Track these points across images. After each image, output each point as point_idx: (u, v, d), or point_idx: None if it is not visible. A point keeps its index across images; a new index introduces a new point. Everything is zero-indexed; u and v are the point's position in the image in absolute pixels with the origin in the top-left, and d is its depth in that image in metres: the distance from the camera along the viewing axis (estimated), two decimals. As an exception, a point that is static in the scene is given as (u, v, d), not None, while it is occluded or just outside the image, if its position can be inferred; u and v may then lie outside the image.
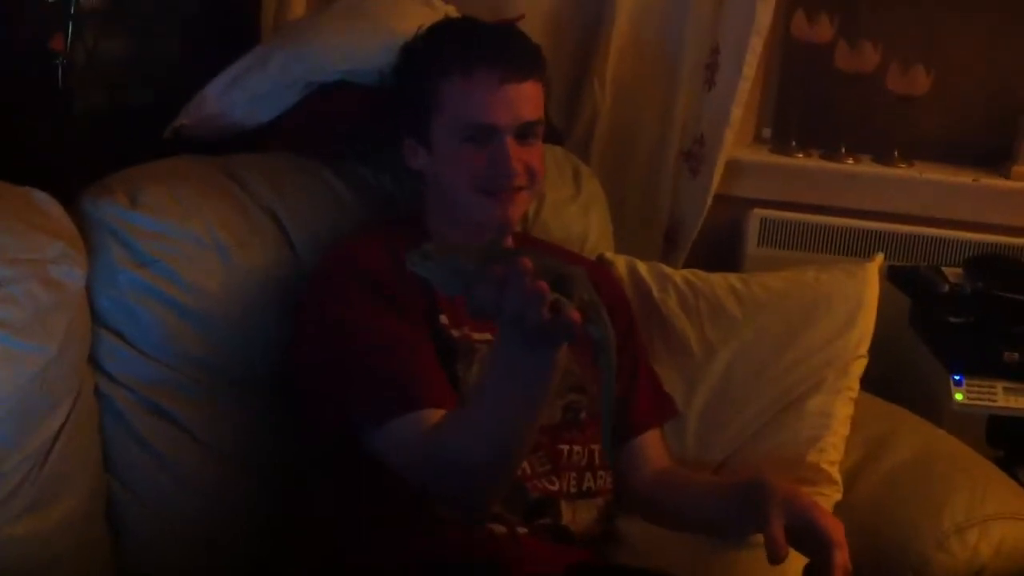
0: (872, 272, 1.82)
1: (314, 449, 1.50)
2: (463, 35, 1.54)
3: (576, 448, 1.51)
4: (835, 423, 1.74)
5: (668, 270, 1.86)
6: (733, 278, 1.86)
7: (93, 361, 1.54)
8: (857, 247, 2.23)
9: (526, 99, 1.49)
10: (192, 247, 1.57)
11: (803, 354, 1.77)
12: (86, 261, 1.50)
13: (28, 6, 1.64)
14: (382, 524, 1.41)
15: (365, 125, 1.70)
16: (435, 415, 1.33)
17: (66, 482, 1.47)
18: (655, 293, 1.81)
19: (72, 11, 1.65)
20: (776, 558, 1.28)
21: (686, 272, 1.86)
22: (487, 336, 1.46)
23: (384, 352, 1.39)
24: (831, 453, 1.73)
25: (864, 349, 1.78)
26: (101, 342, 1.54)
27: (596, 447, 1.53)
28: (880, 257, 1.85)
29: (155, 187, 1.59)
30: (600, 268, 1.77)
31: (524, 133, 1.50)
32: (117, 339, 1.55)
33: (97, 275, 1.53)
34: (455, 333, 1.47)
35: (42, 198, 1.51)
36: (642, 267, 1.84)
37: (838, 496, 1.70)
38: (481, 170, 1.49)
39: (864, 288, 1.81)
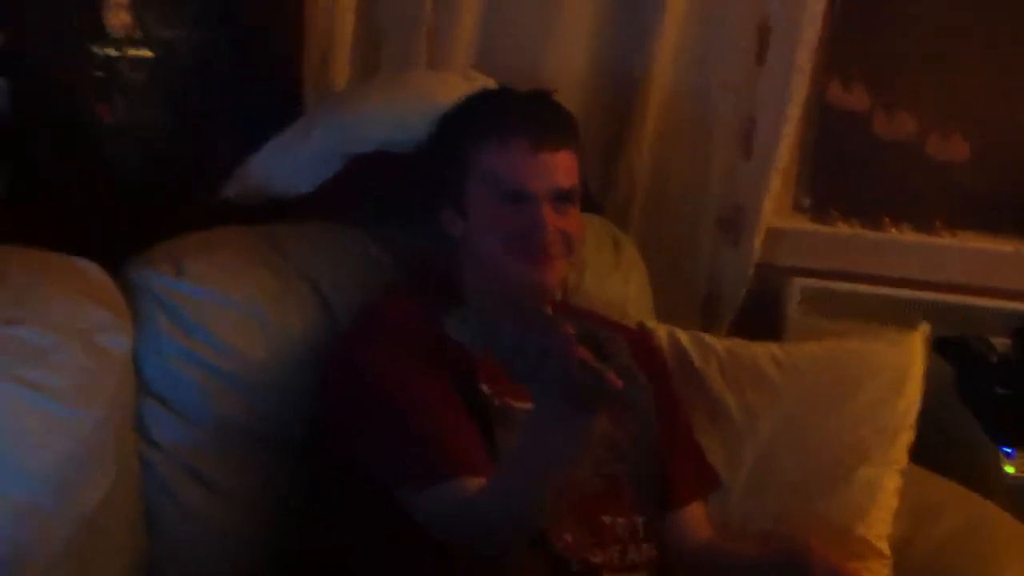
0: (917, 342, 1.80)
1: (335, 496, 1.51)
2: (499, 103, 1.58)
3: (620, 520, 1.50)
4: (883, 495, 1.72)
5: (709, 339, 1.85)
6: (775, 347, 1.84)
7: (139, 427, 1.55)
8: (900, 316, 2.20)
9: (560, 167, 1.51)
10: (235, 315, 1.60)
11: (848, 423, 1.75)
12: (131, 329, 1.52)
13: (77, 77, 1.67)
14: (395, 557, 1.42)
15: (402, 192, 1.71)
16: (473, 482, 1.33)
17: (109, 547, 1.48)
18: (696, 361, 1.80)
19: (119, 82, 1.68)
20: None
21: (727, 341, 1.85)
22: (528, 405, 1.44)
23: (419, 414, 1.39)
24: (879, 527, 1.70)
25: (911, 420, 1.76)
26: (145, 409, 1.56)
27: (639, 519, 1.50)
28: (925, 326, 1.83)
29: (199, 257, 1.62)
30: (641, 336, 1.76)
31: (559, 200, 1.50)
32: (161, 406, 1.57)
33: (143, 343, 1.55)
34: (496, 401, 1.46)
35: (89, 267, 1.54)
36: (683, 336, 1.84)
37: (887, 572, 1.67)
38: (516, 233, 1.49)
39: (909, 358, 1.79)
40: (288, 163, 1.71)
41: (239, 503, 1.59)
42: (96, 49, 1.64)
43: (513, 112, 1.53)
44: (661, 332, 1.84)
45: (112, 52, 1.65)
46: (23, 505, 1.35)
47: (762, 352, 1.83)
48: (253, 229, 1.70)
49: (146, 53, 1.70)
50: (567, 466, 1.22)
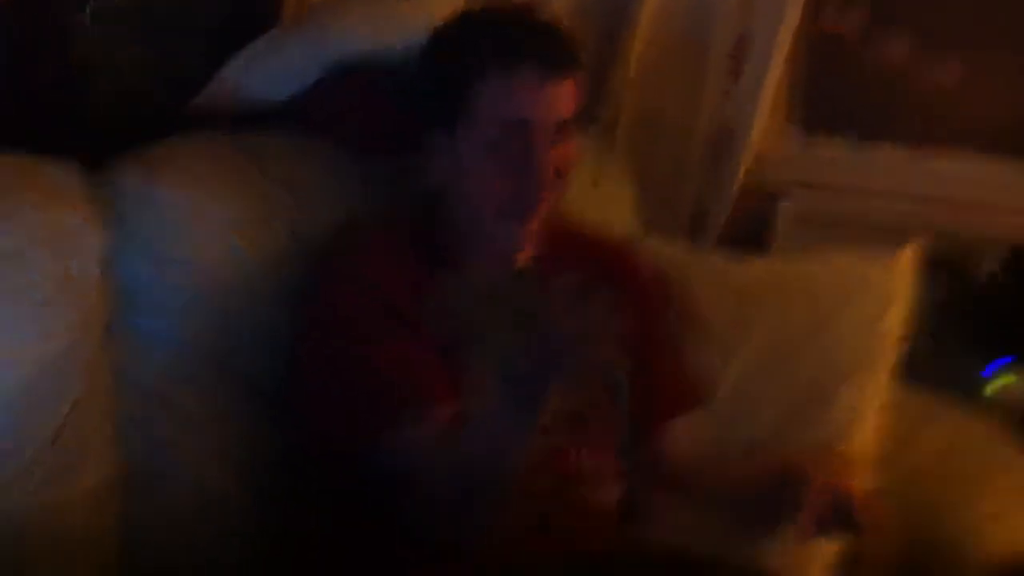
0: (907, 260, 1.78)
1: (311, 468, 1.46)
2: (501, 28, 1.46)
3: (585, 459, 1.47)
4: (866, 415, 1.70)
5: (696, 255, 1.84)
6: (762, 263, 1.83)
7: (110, 338, 1.51)
8: (889, 236, 2.19)
9: (566, 95, 1.44)
10: (207, 231, 1.54)
11: (834, 341, 1.73)
12: (102, 237, 1.49)
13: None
14: (378, 547, 1.38)
15: (382, 116, 1.66)
16: (443, 413, 1.31)
17: (81, 459, 1.46)
18: (681, 277, 1.78)
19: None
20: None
21: (714, 257, 1.84)
22: None
23: (394, 367, 1.35)
24: (863, 443, 1.69)
25: (896, 339, 1.74)
26: (114, 323, 1.51)
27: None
28: (915, 245, 1.81)
29: (172, 165, 1.57)
30: (624, 251, 1.73)
31: (558, 133, 1.43)
32: (129, 321, 1.52)
33: (115, 250, 1.51)
34: None
35: (63, 171, 1.50)
36: (669, 251, 1.81)
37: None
38: (507, 191, 1.42)
39: (897, 277, 1.77)
40: (262, 71, 1.67)
41: (206, 434, 1.54)
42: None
43: (519, 39, 1.43)
44: (648, 247, 1.82)
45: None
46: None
47: (749, 268, 1.82)
48: (230, 137, 1.64)
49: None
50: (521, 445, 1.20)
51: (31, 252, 1.41)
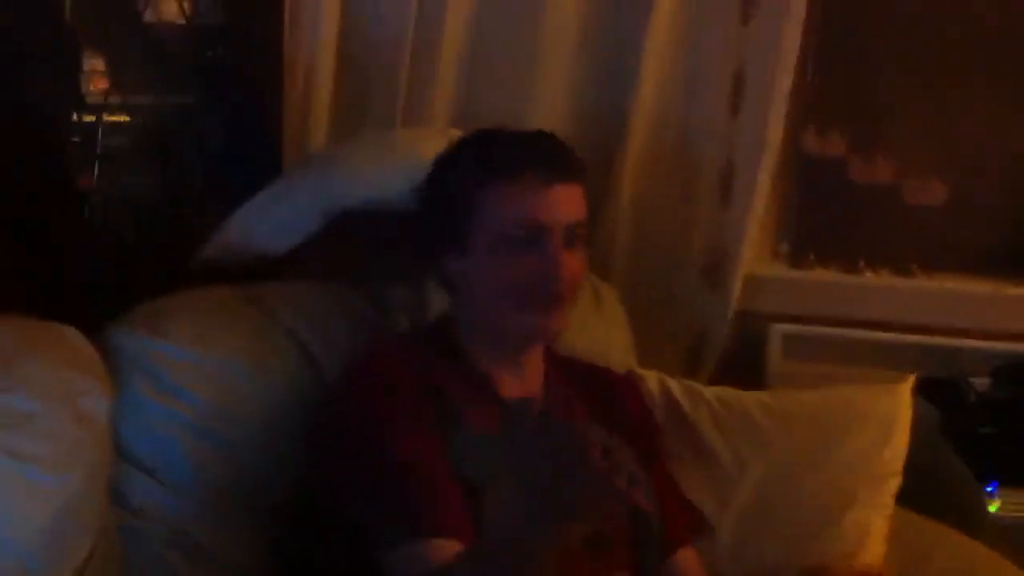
0: (905, 391, 1.82)
1: (323, 564, 1.46)
2: (505, 140, 1.50)
3: None
4: (871, 539, 1.72)
5: (699, 386, 1.86)
6: (764, 395, 1.87)
7: (117, 495, 1.53)
8: (881, 359, 2.22)
9: (573, 200, 1.46)
10: (216, 374, 1.57)
11: (837, 470, 1.76)
12: (111, 394, 1.51)
13: (55, 147, 1.68)
14: None
15: (389, 249, 1.71)
16: (451, 546, 1.31)
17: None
18: (686, 409, 1.81)
19: (98, 151, 1.69)
20: None
21: (716, 389, 1.86)
22: None
23: (403, 470, 1.36)
24: (871, 564, 1.70)
25: (899, 466, 1.78)
26: (124, 475, 1.53)
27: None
28: (911, 376, 1.85)
29: (178, 316, 1.61)
30: (629, 382, 1.76)
31: (570, 237, 1.45)
32: (140, 471, 1.54)
33: (123, 407, 1.53)
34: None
35: (71, 333, 1.53)
36: (672, 383, 1.85)
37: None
38: (526, 280, 1.43)
39: (897, 405, 1.81)
40: (268, 222, 1.72)
41: (223, 570, 1.55)
42: (74, 115, 1.65)
43: (522, 147, 1.48)
44: (652, 379, 1.85)
45: (90, 118, 1.66)
46: (11, 571, 1.35)
47: (752, 400, 1.84)
48: (235, 288, 1.68)
49: (123, 118, 1.70)
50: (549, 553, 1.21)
51: (45, 413, 1.43)
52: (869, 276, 2.33)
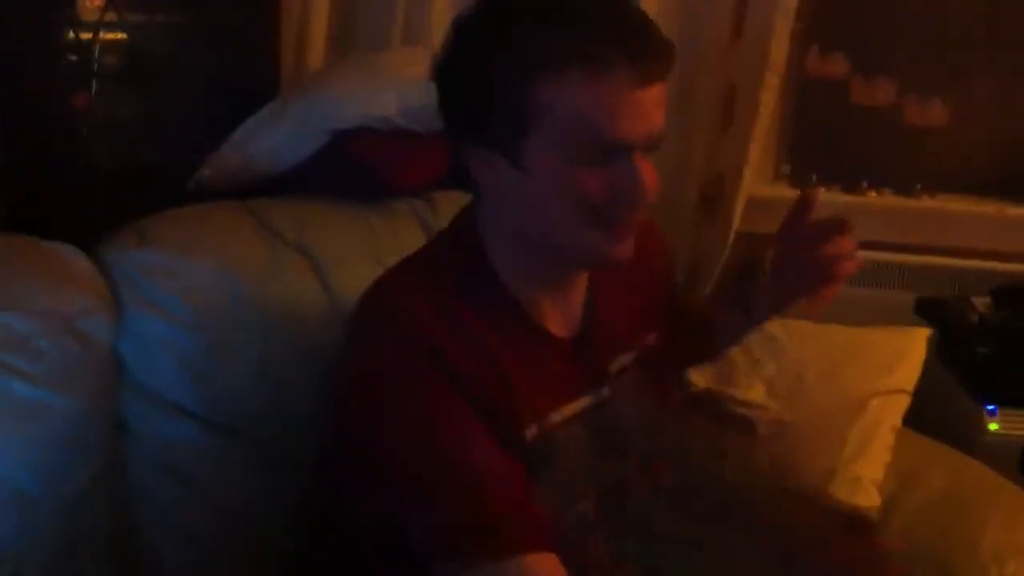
0: (921, 339, 1.86)
1: (336, 541, 1.28)
2: (580, 10, 1.11)
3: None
4: (874, 451, 1.75)
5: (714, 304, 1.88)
6: (784, 320, 1.88)
7: (119, 417, 1.50)
8: (883, 280, 2.22)
9: (662, 103, 1.14)
10: (208, 284, 1.48)
11: (848, 380, 1.80)
12: (114, 313, 1.49)
13: (52, 65, 1.66)
14: None
15: (389, 168, 1.67)
16: (538, 562, 1.10)
17: (93, 534, 1.45)
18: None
19: (94, 69, 1.67)
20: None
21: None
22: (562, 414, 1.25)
23: (477, 479, 1.11)
24: (871, 471, 1.72)
25: (909, 387, 1.81)
26: (125, 396, 1.49)
27: None
28: (926, 331, 1.88)
29: (168, 227, 1.55)
30: (652, 230, 1.45)
31: (652, 146, 1.15)
32: (139, 392, 1.49)
33: (122, 326, 1.49)
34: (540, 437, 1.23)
35: (71, 252, 1.51)
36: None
37: (874, 511, 1.70)
38: (600, 200, 1.14)
39: (912, 342, 1.85)
40: (266, 141, 1.69)
41: (217, 506, 1.48)
42: (69, 33, 1.63)
43: (605, 25, 1.10)
44: None
45: (85, 36, 1.64)
46: (6, 490, 1.35)
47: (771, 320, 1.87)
48: (231, 203, 1.62)
49: (120, 36, 1.68)
50: None
51: (45, 333, 1.41)
52: (871, 196, 2.33)
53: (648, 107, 1.12)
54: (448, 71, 1.17)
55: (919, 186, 2.33)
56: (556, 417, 1.24)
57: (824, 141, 2.37)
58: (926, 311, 2.06)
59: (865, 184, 2.34)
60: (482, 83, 1.13)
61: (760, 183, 2.30)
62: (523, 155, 1.14)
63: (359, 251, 1.58)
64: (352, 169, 1.70)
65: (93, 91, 1.68)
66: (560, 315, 1.27)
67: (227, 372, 1.50)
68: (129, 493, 1.49)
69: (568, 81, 1.10)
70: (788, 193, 2.34)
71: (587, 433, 1.27)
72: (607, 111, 1.10)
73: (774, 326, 1.84)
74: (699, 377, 1.75)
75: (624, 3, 1.14)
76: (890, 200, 2.33)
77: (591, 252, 1.19)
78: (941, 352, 2.01)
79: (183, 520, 1.51)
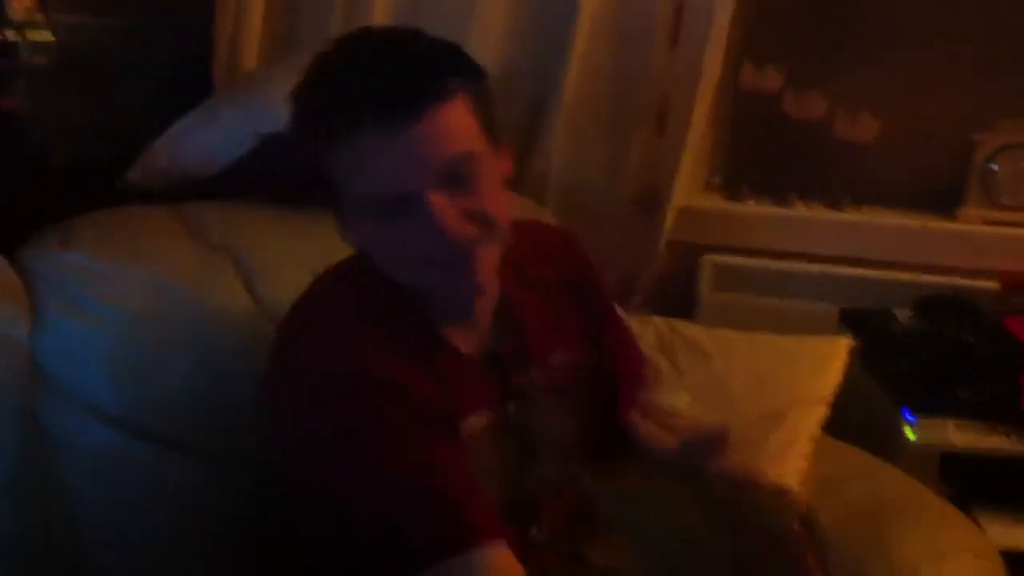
0: (843, 348, 1.89)
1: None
2: (333, 82, 1.15)
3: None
4: (792, 460, 1.76)
5: (649, 316, 1.95)
6: (713, 329, 1.92)
7: (39, 423, 1.46)
8: (810, 291, 2.26)
9: (440, 133, 1.12)
10: (133, 288, 1.47)
11: (770, 389, 1.82)
12: (30, 315, 1.45)
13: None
14: None
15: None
16: (494, 552, 1.12)
17: (12, 536, 1.43)
18: (634, 327, 1.84)
19: (22, 70, 1.65)
20: None
21: (665, 319, 1.95)
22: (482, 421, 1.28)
23: (429, 478, 1.12)
24: (788, 480, 1.75)
25: (829, 396, 1.83)
26: (47, 402, 1.46)
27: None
28: (848, 340, 1.91)
29: (92, 230, 1.53)
30: (568, 238, 1.53)
31: (454, 177, 1.14)
32: (62, 398, 1.46)
33: (39, 330, 1.46)
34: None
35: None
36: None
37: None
38: (416, 248, 1.16)
39: (835, 351, 1.87)
40: (196, 143, 1.69)
41: (146, 512, 1.47)
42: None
43: (351, 87, 1.12)
44: None
45: (12, 36, 1.62)
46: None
47: (698, 329, 1.92)
48: (159, 206, 1.61)
49: (47, 37, 1.66)
50: None
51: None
52: (800, 209, 2.37)
53: (415, 148, 1.11)
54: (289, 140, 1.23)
55: (847, 199, 2.36)
56: (464, 429, 1.24)
57: (756, 153, 2.40)
58: (850, 322, 2.10)
59: (794, 196, 2.37)
60: (301, 148, 1.20)
61: (692, 193, 2.33)
62: (346, 220, 1.21)
63: (289, 257, 1.55)
64: (283, 173, 1.69)
65: (19, 92, 1.66)
66: (467, 332, 1.29)
67: (152, 377, 1.47)
68: (52, 498, 1.46)
69: (332, 153, 1.14)
70: (719, 203, 2.37)
71: (491, 444, 1.27)
72: (369, 166, 1.12)
73: (700, 335, 1.87)
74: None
75: (377, 52, 1.15)
76: (818, 212, 2.36)
77: (438, 291, 1.22)
78: (863, 362, 2.05)
79: (112, 526, 1.48)
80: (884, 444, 1.97)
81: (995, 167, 2.32)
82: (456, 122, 1.13)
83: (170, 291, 1.49)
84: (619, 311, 1.58)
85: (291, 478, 1.19)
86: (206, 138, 1.71)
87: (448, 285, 1.20)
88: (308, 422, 1.15)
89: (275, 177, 1.69)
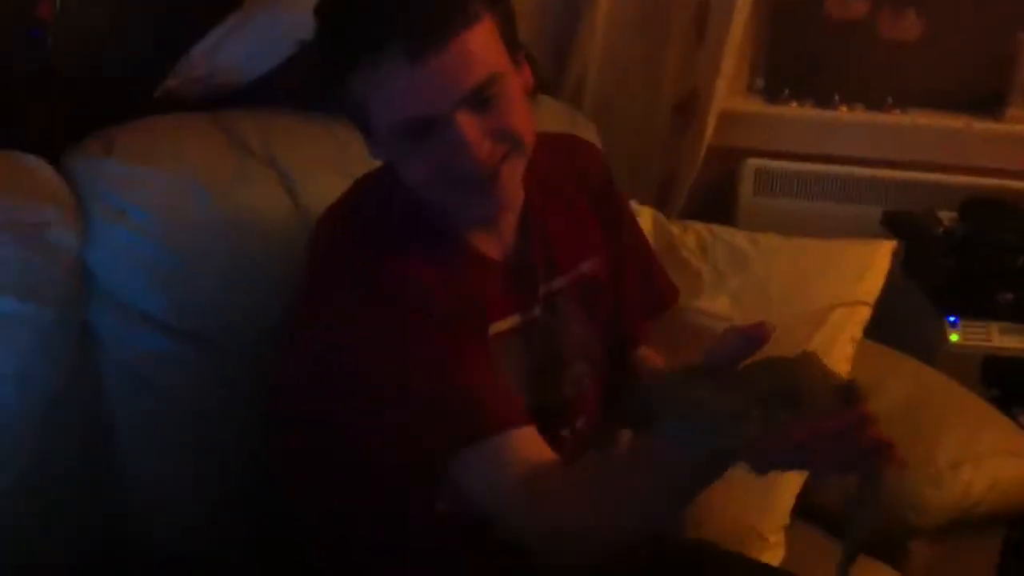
0: (885, 251, 1.86)
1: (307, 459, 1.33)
2: (356, 5, 1.16)
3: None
4: (833, 362, 1.76)
5: (691, 222, 1.93)
6: (754, 234, 1.91)
7: (90, 329, 1.49)
8: (852, 194, 2.24)
9: (462, 62, 1.14)
10: (174, 192, 1.48)
11: (812, 292, 1.81)
12: (80, 223, 1.48)
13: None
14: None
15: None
16: (516, 438, 1.17)
17: (68, 444, 1.47)
18: (675, 232, 1.88)
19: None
20: None
21: (707, 224, 1.92)
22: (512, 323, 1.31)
23: (449, 370, 1.18)
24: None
25: (871, 299, 1.81)
26: (94, 307, 1.48)
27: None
28: (891, 243, 1.88)
29: (133, 137, 1.55)
30: (590, 149, 1.55)
31: (479, 101, 1.16)
32: (109, 303, 1.49)
33: (88, 236, 1.48)
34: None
35: (36, 163, 1.50)
36: (663, 219, 1.92)
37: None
38: (438, 170, 1.18)
39: (876, 254, 1.85)
40: (233, 51, 1.67)
41: (188, 415, 1.50)
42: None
43: (375, 12, 1.14)
44: (646, 214, 1.89)
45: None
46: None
47: (740, 234, 1.90)
48: (199, 114, 1.61)
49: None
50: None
51: (11, 244, 1.41)
52: (843, 111, 2.34)
53: (439, 76, 1.13)
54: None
55: (890, 100, 2.33)
56: (491, 332, 1.27)
57: (798, 55, 2.37)
58: (892, 225, 2.08)
59: (837, 99, 2.34)
60: (323, 71, 1.22)
61: (732, 97, 2.30)
62: (373, 139, 1.23)
63: (326, 163, 1.57)
64: (319, 81, 1.69)
65: (56, 1, 1.66)
66: (493, 240, 1.31)
67: (195, 281, 1.50)
68: (101, 404, 1.50)
69: (359, 77, 1.15)
70: (761, 107, 2.35)
71: (519, 348, 1.30)
72: (395, 91, 1.14)
73: (741, 239, 1.86)
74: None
75: None
76: (861, 115, 2.33)
77: (457, 211, 1.24)
78: (906, 265, 2.04)
79: (155, 430, 1.51)
80: (926, 348, 1.97)
81: (1042, 66, 2.27)
82: (482, 45, 1.15)
83: (210, 196, 1.51)
84: (639, 225, 1.58)
85: (315, 386, 1.24)
86: (243, 46, 1.70)
87: (473, 203, 1.22)
88: (351, 321, 1.20)
89: (312, 85, 1.69)
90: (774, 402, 0.94)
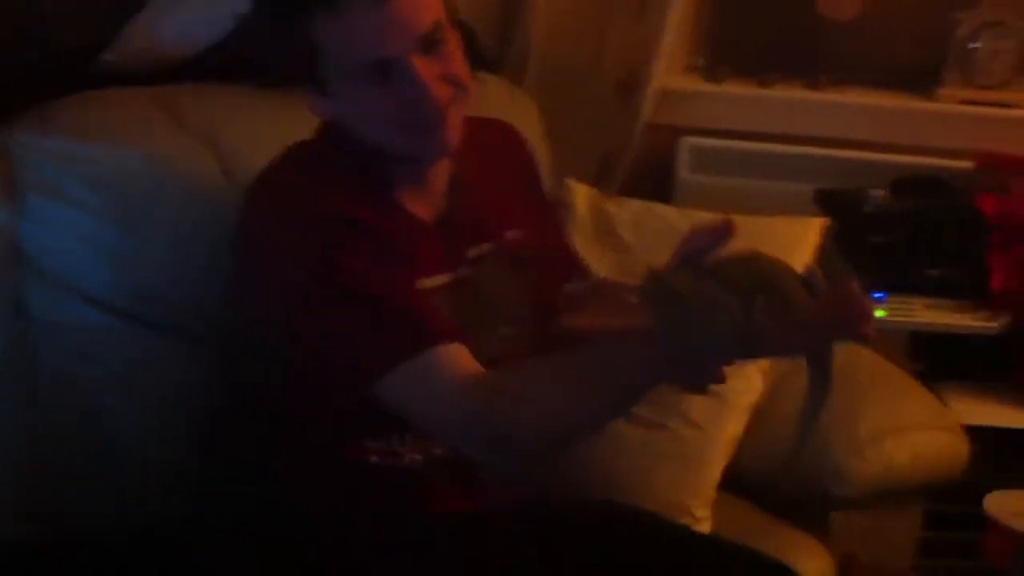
0: (815, 228, 1.91)
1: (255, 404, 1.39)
2: None
3: None
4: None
5: (628, 200, 1.95)
6: (687, 210, 1.94)
7: (23, 306, 1.51)
8: (788, 172, 2.27)
9: (414, 7, 1.24)
10: (112, 170, 1.49)
11: None
12: (12, 197, 1.48)
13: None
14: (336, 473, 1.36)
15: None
16: (459, 350, 1.22)
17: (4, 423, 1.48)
18: (611, 211, 1.91)
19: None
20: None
21: (644, 202, 1.95)
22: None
23: (382, 286, 1.24)
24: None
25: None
26: (28, 284, 1.50)
27: None
28: (822, 220, 1.92)
29: (69, 112, 1.55)
30: (513, 131, 1.60)
31: (430, 44, 1.26)
32: (44, 280, 1.50)
33: (21, 211, 1.49)
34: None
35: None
36: (598, 197, 1.95)
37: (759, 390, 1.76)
38: (397, 111, 1.27)
39: (806, 233, 1.90)
40: (173, 23, 1.67)
41: (131, 390, 1.52)
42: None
43: None
44: (582, 193, 1.92)
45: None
46: None
47: (674, 211, 1.93)
48: (139, 89, 1.61)
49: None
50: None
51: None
52: (779, 89, 2.37)
53: (398, 19, 1.23)
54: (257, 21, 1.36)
55: (825, 79, 2.36)
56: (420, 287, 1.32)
57: (738, 33, 2.39)
58: (824, 202, 2.12)
59: (776, 77, 2.37)
60: (273, 27, 1.30)
61: (671, 75, 2.32)
62: (324, 86, 1.29)
63: (266, 139, 1.52)
64: (260, 55, 1.68)
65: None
66: (422, 200, 1.38)
67: (133, 259, 1.51)
68: (39, 381, 1.51)
69: (319, 21, 1.23)
70: (699, 85, 2.37)
71: (446, 307, 1.33)
72: (356, 35, 1.23)
73: (676, 216, 1.89)
74: (597, 266, 1.79)
75: None
76: (796, 93, 2.36)
77: (410, 152, 1.32)
78: (836, 240, 2.08)
79: (97, 408, 1.53)
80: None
81: (977, 45, 2.31)
82: None
83: (149, 173, 1.52)
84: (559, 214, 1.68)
85: (260, 317, 1.30)
86: (183, 19, 1.70)
87: (426, 144, 1.31)
88: (285, 252, 1.26)
89: (253, 59, 1.69)
90: (753, 292, 1.02)
